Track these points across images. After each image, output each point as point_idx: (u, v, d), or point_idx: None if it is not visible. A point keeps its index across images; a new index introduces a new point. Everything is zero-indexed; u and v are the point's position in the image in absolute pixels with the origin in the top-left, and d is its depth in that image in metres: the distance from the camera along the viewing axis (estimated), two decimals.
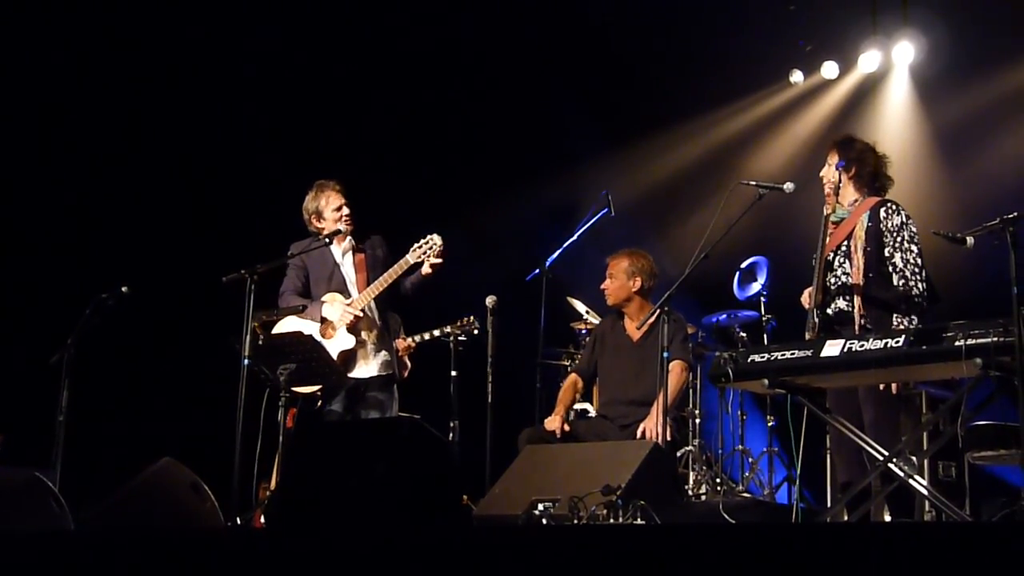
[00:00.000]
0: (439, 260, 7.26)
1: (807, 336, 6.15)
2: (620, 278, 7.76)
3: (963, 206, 9.31)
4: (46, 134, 9.41)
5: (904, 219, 6.17)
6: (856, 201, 6.34)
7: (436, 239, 7.28)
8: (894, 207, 6.22)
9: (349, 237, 7.53)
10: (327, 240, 7.39)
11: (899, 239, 6.12)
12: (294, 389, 7.27)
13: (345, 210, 7.48)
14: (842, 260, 6.25)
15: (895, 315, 5.99)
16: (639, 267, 7.76)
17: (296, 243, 7.48)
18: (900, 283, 6.05)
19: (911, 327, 5.80)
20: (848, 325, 6.12)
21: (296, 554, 4.77)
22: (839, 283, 6.22)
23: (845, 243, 6.25)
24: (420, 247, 7.27)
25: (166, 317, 9.37)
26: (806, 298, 6.31)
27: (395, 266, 7.29)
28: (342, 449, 5.61)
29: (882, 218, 6.19)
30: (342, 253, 7.53)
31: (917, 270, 6.06)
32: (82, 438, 8.09)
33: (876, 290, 6.09)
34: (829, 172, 6.41)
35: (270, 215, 9.32)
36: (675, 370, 7.39)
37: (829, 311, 6.22)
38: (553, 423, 7.41)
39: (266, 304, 7.35)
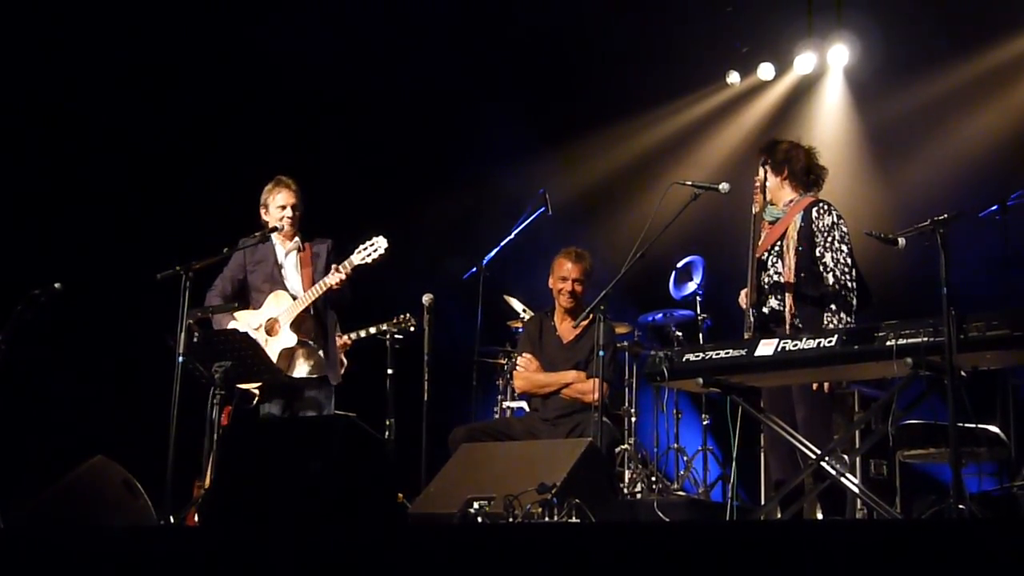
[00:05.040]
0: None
1: (745, 336, 6.19)
2: (586, 283, 7.61)
3: (895, 207, 9.42)
4: None
5: (835, 219, 6.22)
6: (791, 201, 6.39)
7: (381, 242, 7.21)
8: (826, 207, 6.27)
9: (297, 237, 7.47)
10: (266, 236, 7.34)
11: (830, 239, 6.17)
12: (238, 385, 7.24)
13: (289, 211, 7.40)
14: (775, 260, 6.28)
15: (826, 314, 6.03)
16: (592, 269, 7.67)
17: (245, 237, 7.41)
18: (831, 282, 6.10)
19: (843, 327, 5.85)
20: (781, 324, 6.17)
21: (230, 552, 4.75)
22: (772, 282, 6.26)
23: (778, 243, 6.29)
24: (365, 249, 7.19)
25: (100, 314, 9.26)
26: (743, 298, 6.35)
27: (341, 267, 7.17)
28: (277, 447, 5.59)
29: (814, 218, 6.23)
30: (285, 252, 7.47)
31: (847, 269, 6.11)
32: (13, 436, 8.01)
33: (807, 289, 6.13)
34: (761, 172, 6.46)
35: (206, 212, 9.27)
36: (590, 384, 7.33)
37: (764, 310, 6.26)
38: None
39: (202, 301, 7.31)
